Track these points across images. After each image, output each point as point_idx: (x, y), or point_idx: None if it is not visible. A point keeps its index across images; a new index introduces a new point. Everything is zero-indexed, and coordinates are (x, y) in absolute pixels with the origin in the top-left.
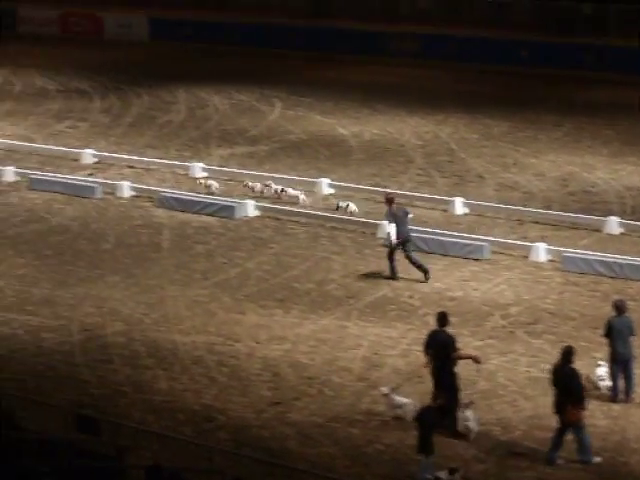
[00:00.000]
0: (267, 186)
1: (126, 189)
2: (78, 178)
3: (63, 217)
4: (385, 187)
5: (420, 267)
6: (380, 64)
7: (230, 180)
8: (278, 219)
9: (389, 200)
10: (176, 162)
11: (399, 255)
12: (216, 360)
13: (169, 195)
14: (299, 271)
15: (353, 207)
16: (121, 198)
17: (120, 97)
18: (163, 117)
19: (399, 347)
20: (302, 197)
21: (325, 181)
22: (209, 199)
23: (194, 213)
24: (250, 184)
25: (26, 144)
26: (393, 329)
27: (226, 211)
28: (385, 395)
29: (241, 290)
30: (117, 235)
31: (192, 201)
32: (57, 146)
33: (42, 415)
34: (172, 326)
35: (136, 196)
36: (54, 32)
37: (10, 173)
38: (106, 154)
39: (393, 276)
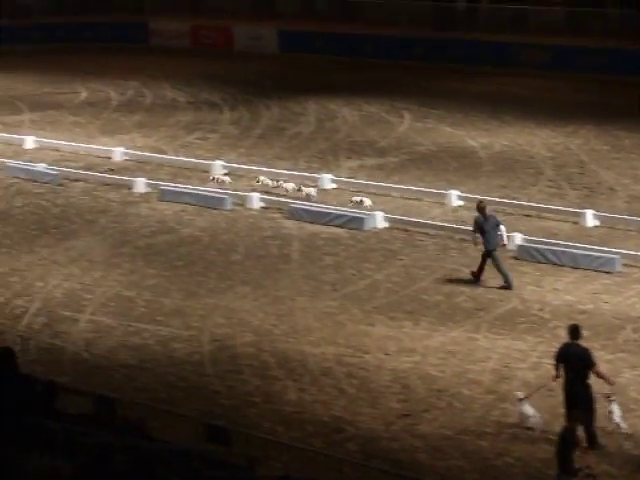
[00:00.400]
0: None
1: (256, 200)
2: (208, 189)
3: (193, 228)
4: (514, 199)
5: (505, 276)
6: (507, 75)
7: (359, 191)
8: (407, 231)
9: (480, 209)
10: (305, 173)
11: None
12: (345, 372)
13: (299, 207)
14: (428, 283)
15: (368, 202)
16: (251, 209)
17: (250, 109)
18: (292, 129)
19: (529, 360)
20: (312, 192)
21: (454, 193)
22: (339, 211)
23: (323, 225)
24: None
25: (157, 155)
26: (523, 342)
27: (355, 223)
28: (520, 400)
29: (370, 302)
30: (247, 246)
31: (321, 212)
32: (187, 157)
33: (173, 425)
34: (301, 337)
35: (265, 207)
36: (185, 44)
37: (141, 184)
38: (236, 165)
39: (476, 279)
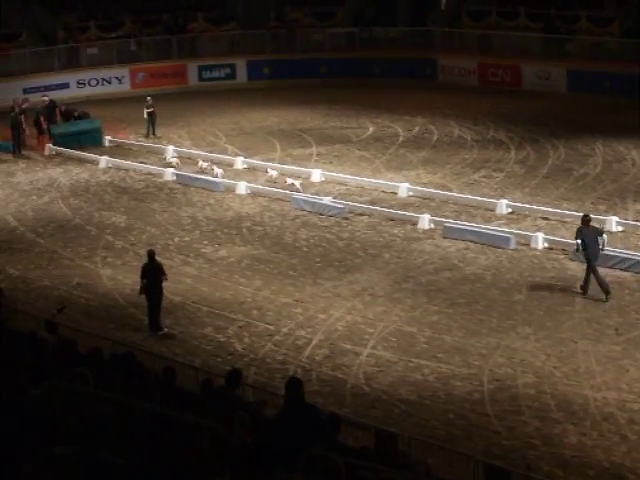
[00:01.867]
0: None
1: (540, 241)
2: (492, 228)
3: (476, 266)
4: None
5: (602, 285)
6: None
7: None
8: None
9: (584, 221)
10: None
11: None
12: (627, 417)
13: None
14: None
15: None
16: (535, 249)
17: (536, 148)
18: (579, 170)
19: None
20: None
21: None
22: (624, 254)
23: (609, 268)
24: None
25: (442, 192)
26: None
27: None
28: None
29: None
30: (530, 286)
31: (606, 256)
32: (472, 195)
33: (451, 463)
34: (583, 381)
35: (550, 248)
36: (473, 82)
37: (425, 220)
38: (520, 205)
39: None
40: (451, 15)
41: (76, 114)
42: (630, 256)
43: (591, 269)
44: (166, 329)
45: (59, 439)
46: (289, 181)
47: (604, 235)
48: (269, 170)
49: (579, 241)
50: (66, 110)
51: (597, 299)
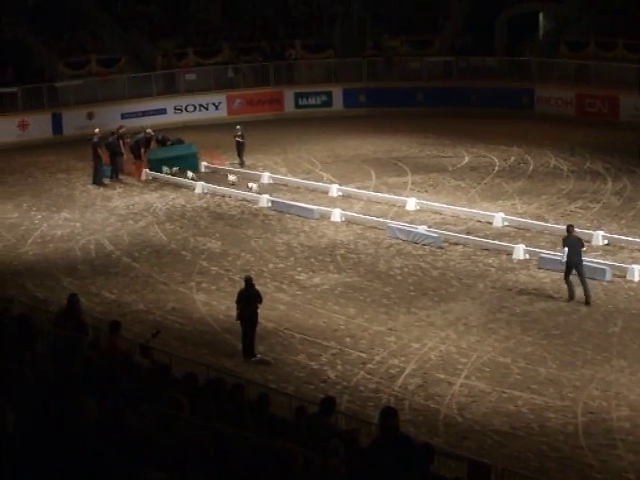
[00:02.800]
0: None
1: (636, 273)
2: (588, 259)
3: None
4: None
5: (586, 291)
6: None
7: None
8: None
9: (568, 229)
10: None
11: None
12: None
13: None
14: None
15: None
16: (631, 281)
17: (633, 180)
18: None
19: None
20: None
21: None
22: None
23: None
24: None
25: (537, 222)
26: None
27: None
28: None
29: None
30: (625, 319)
31: None
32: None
33: None
34: None
35: None
36: (570, 112)
37: (520, 251)
38: (617, 236)
39: (570, 297)
40: (549, 45)
41: (169, 143)
42: None
43: (580, 276)
44: (259, 355)
45: (154, 464)
46: (250, 185)
47: (584, 249)
48: (229, 175)
49: (566, 249)
50: (162, 138)
51: None
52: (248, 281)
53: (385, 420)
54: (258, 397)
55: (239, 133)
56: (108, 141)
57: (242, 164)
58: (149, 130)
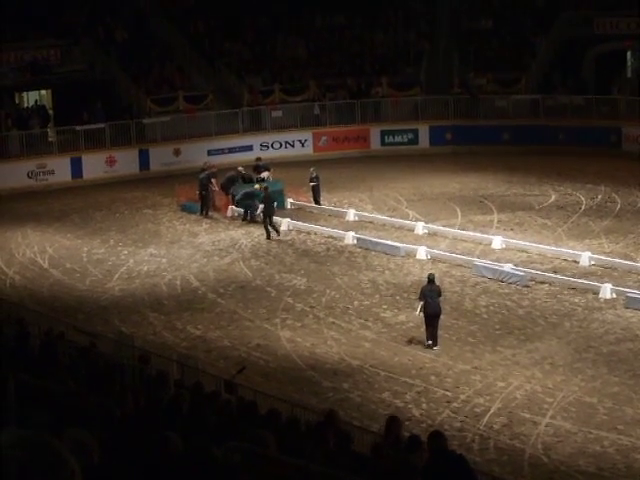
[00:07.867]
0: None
1: None
2: None
3: None
4: None
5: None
6: None
7: None
8: None
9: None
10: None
11: None
12: None
13: None
14: None
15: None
16: None
17: None
18: None
19: None
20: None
21: None
22: None
23: None
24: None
25: (624, 262)
26: None
27: None
28: None
29: None
30: None
31: None
32: None
33: None
34: None
35: None
36: None
37: (607, 290)
38: None
39: None
40: (637, 83)
41: (259, 178)
42: None
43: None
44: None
45: None
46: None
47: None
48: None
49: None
50: (248, 176)
51: None
52: (431, 279)
53: (432, 442)
54: (340, 435)
55: (313, 175)
56: (199, 177)
57: (320, 204)
58: (240, 168)
